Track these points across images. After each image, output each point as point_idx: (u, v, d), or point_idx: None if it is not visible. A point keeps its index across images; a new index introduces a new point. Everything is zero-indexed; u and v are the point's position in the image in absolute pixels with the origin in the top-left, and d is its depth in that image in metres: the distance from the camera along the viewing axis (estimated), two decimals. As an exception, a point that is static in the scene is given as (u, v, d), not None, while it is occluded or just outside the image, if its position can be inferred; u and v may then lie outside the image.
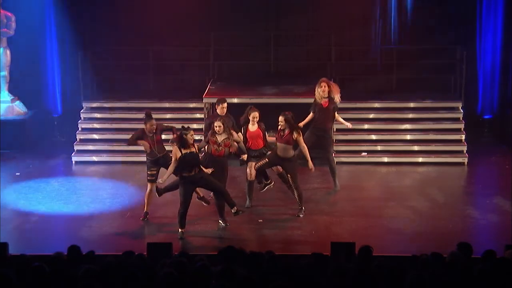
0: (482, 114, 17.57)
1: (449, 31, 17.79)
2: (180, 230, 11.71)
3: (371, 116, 16.77)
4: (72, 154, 16.16)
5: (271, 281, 7.47)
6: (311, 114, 13.96)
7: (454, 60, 17.48)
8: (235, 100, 16.10)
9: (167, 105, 17.16)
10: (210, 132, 12.54)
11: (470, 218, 12.80)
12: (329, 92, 13.86)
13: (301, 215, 12.68)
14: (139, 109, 17.07)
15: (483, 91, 17.51)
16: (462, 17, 17.77)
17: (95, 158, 16.16)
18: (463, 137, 16.25)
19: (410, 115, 16.79)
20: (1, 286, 7.55)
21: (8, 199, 13.61)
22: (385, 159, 15.99)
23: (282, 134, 12.63)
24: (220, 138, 12.38)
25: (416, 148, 16.26)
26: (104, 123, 16.86)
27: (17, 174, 15.21)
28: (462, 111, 16.68)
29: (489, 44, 17.37)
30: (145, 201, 12.60)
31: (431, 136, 16.45)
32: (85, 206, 13.34)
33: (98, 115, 17.05)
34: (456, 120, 16.61)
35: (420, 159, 15.98)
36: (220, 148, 12.34)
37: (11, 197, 13.75)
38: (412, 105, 17.00)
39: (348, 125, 14.37)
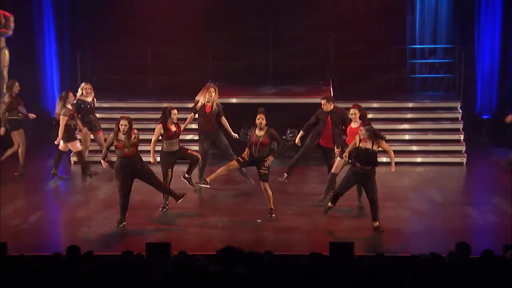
0: (480, 114, 17.60)
1: (448, 31, 17.81)
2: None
3: (370, 116, 16.71)
4: (71, 154, 16.15)
5: (270, 281, 7.48)
6: (191, 114, 14.02)
7: (453, 60, 17.49)
8: (234, 100, 16.13)
9: (165, 105, 17.03)
10: (113, 135, 12.24)
11: (469, 218, 12.81)
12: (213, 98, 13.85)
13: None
14: (138, 109, 17.12)
15: (481, 91, 17.55)
16: (461, 17, 17.80)
17: (93, 158, 16.14)
18: (462, 137, 16.28)
19: (409, 115, 16.82)
20: (1, 286, 7.56)
21: (7, 199, 13.60)
22: (384, 159, 15.97)
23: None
24: (125, 138, 12.13)
25: (414, 148, 16.29)
26: (103, 123, 16.82)
27: (16, 174, 15.20)
28: (460, 111, 16.71)
29: (488, 44, 17.40)
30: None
31: (430, 136, 16.47)
32: (84, 206, 13.35)
33: (97, 115, 17.01)
34: (454, 120, 16.64)
35: (419, 159, 16.00)
36: (131, 148, 12.14)
37: (10, 197, 13.74)
38: (410, 105, 17.03)
39: (234, 135, 14.22)
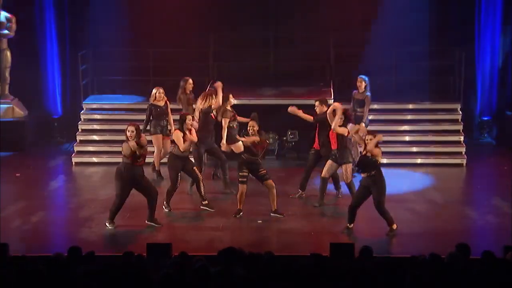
0: (480, 115, 17.60)
1: (448, 33, 17.81)
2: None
3: (370, 117, 16.76)
4: (72, 155, 16.19)
5: (270, 282, 7.51)
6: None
7: (453, 61, 17.51)
8: (234, 102, 16.11)
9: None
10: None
11: (469, 219, 12.84)
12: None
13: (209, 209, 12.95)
14: (138, 110, 17.11)
15: (481, 93, 17.55)
16: (461, 19, 17.80)
17: (95, 159, 16.19)
18: (462, 138, 16.29)
19: (409, 117, 16.83)
20: (2, 287, 7.59)
21: (9, 200, 13.62)
22: (384, 160, 15.96)
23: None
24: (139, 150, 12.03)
25: (415, 149, 16.30)
26: (104, 124, 16.89)
27: (17, 175, 15.23)
28: (461, 112, 16.72)
29: (488, 46, 17.41)
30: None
31: (430, 138, 16.48)
32: (85, 207, 13.36)
33: (98, 116, 17.08)
34: (455, 121, 16.65)
35: (419, 160, 16.01)
36: (140, 159, 12.07)
37: (11, 198, 13.76)
38: (411, 106, 17.05)
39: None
